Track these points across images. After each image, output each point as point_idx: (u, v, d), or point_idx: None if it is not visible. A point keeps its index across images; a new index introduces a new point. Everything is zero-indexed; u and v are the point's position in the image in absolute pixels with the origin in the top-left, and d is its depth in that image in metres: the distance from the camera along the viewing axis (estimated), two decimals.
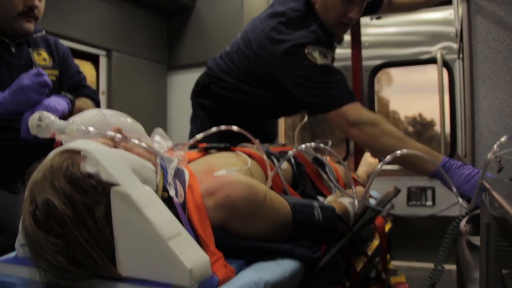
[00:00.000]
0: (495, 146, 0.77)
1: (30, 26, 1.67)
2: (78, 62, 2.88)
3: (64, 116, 1.61)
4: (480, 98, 1.73)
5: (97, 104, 1.91)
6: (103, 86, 3.08)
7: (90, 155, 0.84)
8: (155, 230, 0.76)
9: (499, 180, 0.84)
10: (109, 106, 3.04)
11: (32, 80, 1.48)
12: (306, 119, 2.60)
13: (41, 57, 1.78)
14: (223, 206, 1.05)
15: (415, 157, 1.45)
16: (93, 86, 3.04)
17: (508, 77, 1.71)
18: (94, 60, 3.06)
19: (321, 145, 1.37)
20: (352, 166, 3.72)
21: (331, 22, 1.90)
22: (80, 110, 1.67)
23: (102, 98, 3.07)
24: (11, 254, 0.99)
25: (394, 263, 3.10)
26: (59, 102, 1.61)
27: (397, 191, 2.01)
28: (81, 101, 1.80)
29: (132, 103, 3.27)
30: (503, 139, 0.80)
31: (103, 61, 3.08)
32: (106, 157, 0.84)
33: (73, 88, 1.83)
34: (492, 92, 1.72)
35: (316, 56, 1.77)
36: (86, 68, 2.95)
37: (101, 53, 3.05)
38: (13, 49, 1.67)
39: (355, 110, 1.74)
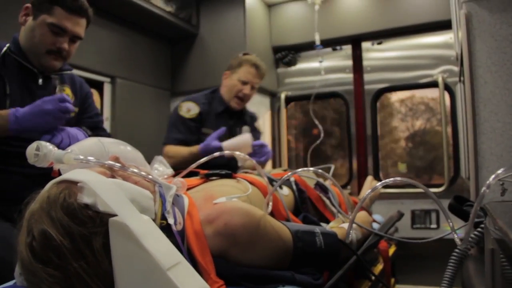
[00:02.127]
0: (490, 179, 0.76)
1: (57, 64, 1.73)
2: None
3: None
4: (482, 121, 1.73)
5: None
6: (107, 112, 3.10)
7: (87, 186, 0.83)
8: (154, 260, 0.75)
9: (503, 204, 0.83)
10: (113, 132, 3.06)
11: (54, 105, 1.49)
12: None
13: (65, 92, 1.80)
14: (223, 234, 1.04)
15: None
16: None
17: (509, 100, 1.71)
18: (98, 87, 3.08)
19: (319, 170, 1.36)
20: (355, 189, 3.71)
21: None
22: None
23: (106, 124, 3.09)
24: (11, 283, 0.99)
25: (399, 287, 3.06)
26: (78, 133, 1.62)
27: (400, 215, 1.99)
28: None
29: (135, 129, 3.30)
30: (500, 171, 0.79)
31: (107, 88, 3.11)
32: (103, 188, 0.84)
33: (91, 128, 1.87)
34: (494, 116, 1.72)
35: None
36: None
37: (106, 80, 3.08)
38: (40, 81, 1.72)
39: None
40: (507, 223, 0.62)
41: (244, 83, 2.67)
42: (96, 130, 1.91)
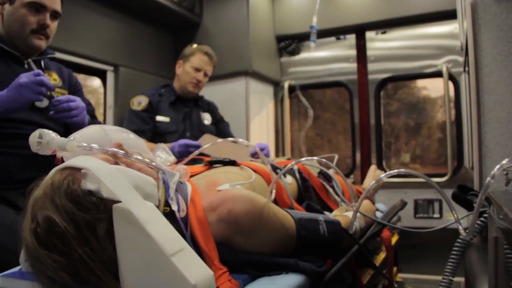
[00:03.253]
0: (495, 169, 0.76)
1: (42, 43, 1.77)
2: (85, 77, 2.94)
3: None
4: (487, 111, 1.72)
5: None
6: (110, 101, 3.10)
7: (90, 172, 0.83)
8: (158, 246, 0.76)
9: (506, 193, 0.83)
10: (116, 120, 3.06)
11: (29, 78, 1.52)
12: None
13: (52, 77, 1.89)
14: (226, 220, 1.05)
15: None
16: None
17: None
18: (101, 75, 3.08)
19: (323, 160, 1.36)
20: (358, 178, 3.71)
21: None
22: None
23: (109, 113, 3.09)
24: (16, 269, 0.99)
25: (401, 276, 3.07)
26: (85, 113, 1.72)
27: (403, 204, 1.99)
28: None
29: None
30: (504, 161, 0.79)
31: (110, 76, 3.10)
32: (106, 174, 0.84)
33: None
34: (499, 106, 1.71)
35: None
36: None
37: (109, 68, 3.07)
38: (26, 66, 1.77)
39: None
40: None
41: (198, 70, 2.88)
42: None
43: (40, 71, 1.58)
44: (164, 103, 2.90)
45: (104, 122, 3.02)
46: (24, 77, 1.52)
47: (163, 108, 2.88)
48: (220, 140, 1.40)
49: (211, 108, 3.14)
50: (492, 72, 1.73)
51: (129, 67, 3.20)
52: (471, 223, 0.84)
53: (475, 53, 1.75)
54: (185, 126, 2.93)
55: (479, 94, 1.74)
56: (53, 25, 1.80)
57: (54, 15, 1.79)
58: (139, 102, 2.85)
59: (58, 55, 1.94)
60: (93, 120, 2.02)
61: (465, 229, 0.96)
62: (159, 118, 2.86)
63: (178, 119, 2.92)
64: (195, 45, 2.95)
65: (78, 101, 1.68)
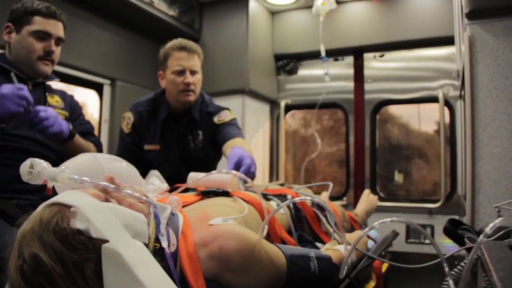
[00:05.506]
0: (488, 228, 0.76)
1: (48, 68, 1.91)
2: (82, 90, 2.94)
3: (64, 140, 1.85)
4: (481, 146, 1.73)
5: (100, 151, 2.12)
6: (106, 115, 3.10)
7: (80, 211, 0.82)
8: None
9: (497, 246, 0.82)
10: (111, 134, 3.05)
11: (11, 90, 1.60)
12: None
13: (54, 99, 2.02)
14: (217, 258, 1.04)
15: None
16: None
17: (509, 125, 1.71)
18: (98, 88, 3.08)
19: (315, 199, 1.35)
20: (351, 200, 3.71)
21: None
22: (79, 146, 1.93)
23: (105, 127, 3.08)
24: None
25: None
26: (60, 120, 1.76)
27: (395, 235, 2.00)
28: (86, 142, 2.01)
29: None
30: (497, 220, 0.79)
31: (107, 90, 3.10)
32: (96, 213, 0.82)
33: (83, 133, 2.04)
34: (493, 140, 1.72)
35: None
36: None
37: (105, 82, 3.07)
38: (29, 87, 1.88)
39: None
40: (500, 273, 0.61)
41: (180, 72, 2.31)
42: (87, 135, 2.09)
43: (22, 85, 1.65)
44: (155, 123, 2.41)
45: (99, 136, 3.01)
46: (5, 88, 1.60)
47: (152, 132, 2.40)
48: (203, 174, 1.34)
49: (211, 117, 2.45)
50: (487, 106, 1.74)
51: (126, 81, 3.20)
52: (462, 277, 0.84)
53: (471, 86, 1.77)
54: (179, 156, 2.44)
55: (474, 128, 1.75)
56: (58, 51, 1.93)
57: (58, 41, 1.92)
58: (127, 121, 2.43)
59: (55, 67, 1.98)
60: (92, 137, 2.11)
61: (455, 280, 0.95)
62: (147, 147, 2.41)
63: (170, 146, 2.42)
64: (167, 45, 2.41)
65: (48, 110, 1.72)
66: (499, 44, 1.75)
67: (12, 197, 1.70)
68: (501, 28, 1.74)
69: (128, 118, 2.43)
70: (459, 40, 2.31)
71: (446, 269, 0.91)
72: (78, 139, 1.93)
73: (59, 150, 1.93)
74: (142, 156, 2.43)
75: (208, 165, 2.56)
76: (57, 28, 1.89)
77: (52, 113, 1.73)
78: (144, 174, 1.39)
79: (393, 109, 3.91)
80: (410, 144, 3.89)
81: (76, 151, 1.83)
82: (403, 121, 3.95)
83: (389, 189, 3.84)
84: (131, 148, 2.41)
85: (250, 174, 1.71)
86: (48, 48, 1.86)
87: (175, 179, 1.75)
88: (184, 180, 1.40)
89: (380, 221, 1.01)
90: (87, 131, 2.11)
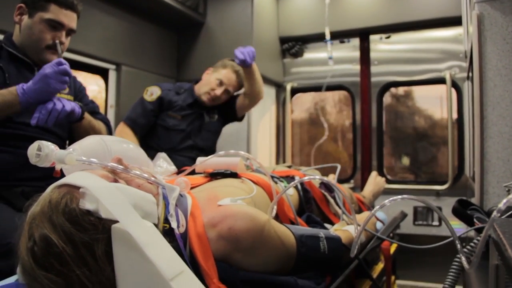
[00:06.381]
0: (501, 204, 0.75)
1: (54, 58, 1.81)
2: (87, 75, 2.93)
3: (76, 120, 1.81)
4: (490, 125, 1.71)
5: (109, 128, 2.09)
6: (111, 100, 3.09)
7: (89, 191, 0.82)
8: (156, 270, 0.75)
9: (510, 222, 0.82)
10: (117, 119, 3.05)
11: (53, 68, 1.59)
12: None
13: None
14: (226, 238, 1.04)
15: None
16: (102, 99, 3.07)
17: None
18: (103, 74, 3.07)
19: (324, 179, 1.35)
20: (358, 182, 3.70)
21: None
22: (90, 125, 1.90)
23: (111, 112, 3.08)
24: (12, 279, 0.98)
25: (399, 282, 3.07)
26: (69, 103, 1.72)
27: (404, 216, 1.99)
28: (96, 121, 1.98)
29: None
30: (510, 196, 0.78)
31: (112, 75, 3.09)
32: (105, 194, 0.82)
33: (89, 112, 1.98)
34: (502, 120, 1.70)
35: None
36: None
37: (111, 67, 3.06)
38: (36, 72, 1.80)
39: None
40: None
41: (221, 83, 2.74)
42: (93, 114, 2.03)
43: (62, 60, 1.64)
44: (181, 102, 2.78)
45: None
46: (48, 68, 1.59)
47: (177, 106, 2.77)
48: (211, 156, 1.37)
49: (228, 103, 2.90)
50: (496, 86, 1.72)
51: (132, 66, 3.19)
52: (476, 254, 0.83)
53: (480, 65, 1.74)
54: (192, 129, 2.80)
55: (483, 107, 1.73)
56: (67, 42, 1.87)
57: (69, 32, 1.85)
58: (151, 92, 2.76)
59: None
60: (98, 115, 2.08)
61: (468, 259, 0.94)
62: (171, 113, 2.76)
63: (188, 120, 2.78)
64: (230, 61, 2.82)
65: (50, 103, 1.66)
66: (508, 22, 1.72)
67: (17, 185, 1.69)
68: (510, 6, 1.71)
69: (153, 91, 2.76)
70: (467, 19, 2.28)
71: (459, 246, 0.90)
72: (89, 117, 1.90)
73: (64, 137, 1.93)
74: (154, 124, 2.76)
75: (216, 134, 2.99)
76: (71, 19, 1.83)
77: (56, 105, 1.68)
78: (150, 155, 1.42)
79: (400, 91, 3.88)
80: (417, 126, 3.86)
81: (87, 132, 1.82)
82: (410, 104, 3.92)
83: (396, 171, 3.83)
84: (148, 115, 2.70)
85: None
86: (58, 39, 1.79)
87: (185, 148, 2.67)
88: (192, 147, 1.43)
89: (391, 198, 1.00)
90: (92, 110, 2.07)
